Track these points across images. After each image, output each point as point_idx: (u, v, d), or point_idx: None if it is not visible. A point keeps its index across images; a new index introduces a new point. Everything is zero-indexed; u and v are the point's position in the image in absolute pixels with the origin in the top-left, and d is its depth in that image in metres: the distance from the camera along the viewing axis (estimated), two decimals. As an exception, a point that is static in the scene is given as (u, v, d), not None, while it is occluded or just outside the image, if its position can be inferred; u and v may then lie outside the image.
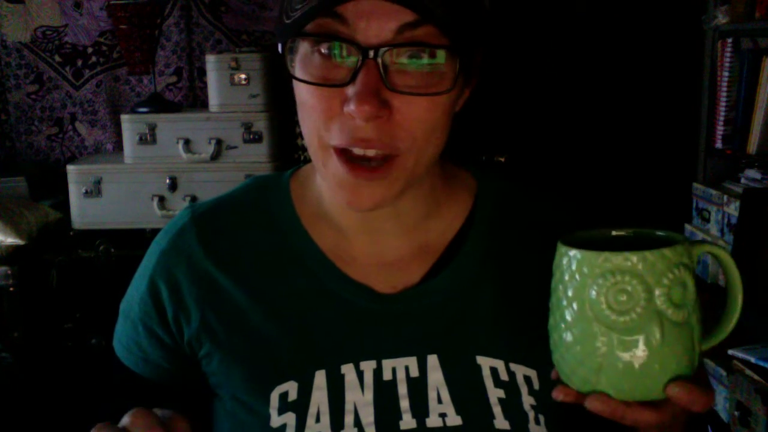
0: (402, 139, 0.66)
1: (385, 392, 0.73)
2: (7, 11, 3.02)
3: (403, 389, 0.73)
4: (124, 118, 2.71)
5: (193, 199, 2.66)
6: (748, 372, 1.90)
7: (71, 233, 2.71)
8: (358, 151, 0.66)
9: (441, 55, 0.64)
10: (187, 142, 2.66)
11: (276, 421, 0.72)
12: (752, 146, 2.16)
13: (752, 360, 1.90)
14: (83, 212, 2.70)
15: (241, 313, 0.76)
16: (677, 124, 2.80)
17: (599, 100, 2.96)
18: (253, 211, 0.81)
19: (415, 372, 0.73)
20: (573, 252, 0.61)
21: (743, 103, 2.19)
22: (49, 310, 2.67)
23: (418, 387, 0.73)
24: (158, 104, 2.77)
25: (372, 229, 0.77)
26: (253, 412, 0.73)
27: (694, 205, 2.39)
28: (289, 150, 2.75)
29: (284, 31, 0.67)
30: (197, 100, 3.07)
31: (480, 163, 0.76)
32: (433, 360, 0.74)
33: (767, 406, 1.81)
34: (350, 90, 0.64)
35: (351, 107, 0.63)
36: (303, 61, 0.67)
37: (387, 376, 0.73)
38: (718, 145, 2.29)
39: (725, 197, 2.20)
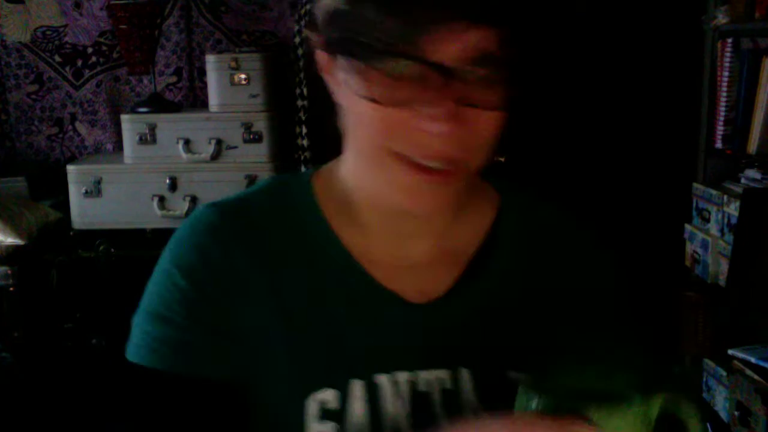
0: (469, 149, 0.67)
1: (420, 404, 0.73)
2: (7, 11, 3.02)
3: (438, 401, 0.73)
4: (124, 118, 2.71)
5: (193, 199, 2.66)
6: (748, 372, 1.90)
7: (71, 233, 2.71)
8: (428, 162, 0.66)
9: (510, 69, 0.66)
10: (187, 142, 2.67)
11: (314, 429, 0.71)
12: (752, 146, 2.16)
13: (752, 360, 1.90)
14: (83, 212, 2.70)
15: (280, 316, 0.74)
16: (677, 124, 2.79)
17: (599, 99, 2.96)
18: (279, 211, 0.78)
19: (449, 385, 0.74)
20: (532, 397, 0.62)
21: (743, 103, 2.18)
22: (49, 310, 2.67)
23: (452, 400, 0.74)
24: (158, 104, 2.77)
25: (399, 231, 0.77)
26: (290, 419, 0.72)
27: (694, 205, 2.39)
28: (289, 150, 2.75)
29: (362, 52, 0.64)
30: (197, 100, 3.07)
31: (498, 173, 0.76)
32: (465, 374, 0.74)
33: (767, 406, 1.81)
34: (429, 108, 0.63)
35: (431, 127, 0.63)
36: (362, 76, 0.65)
37: (422, 387, 0.73)
38: (718, 145, 2.29)
39: (725, 197, 2.20)
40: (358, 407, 0.71)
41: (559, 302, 0.79)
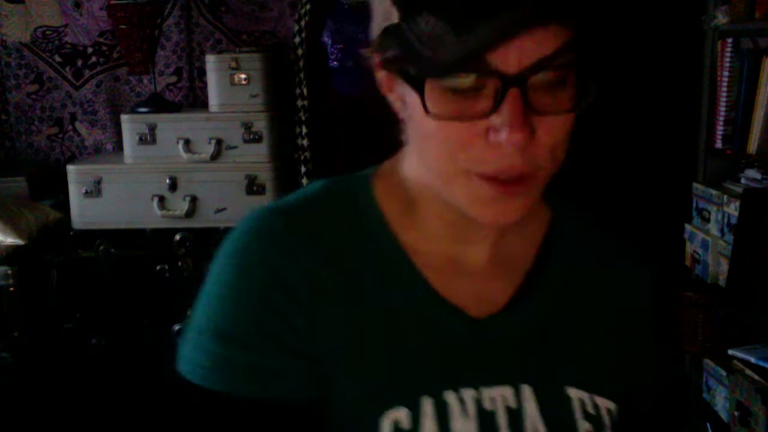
0: (542, 158, 0.66)
1: (487, 422, 0.72)
2: (7, 11, 3.02)
3: (503, 420, 0.72)
4: (124, 118, 2.71)
5: (193, 199, 2.66)
6: (748, 372, 1.90)
7: (71, 233, 2.71)
8: (503, 177, 0.65)
9: (573, 75, 0.65)
10: (187, 142, 2.67)
11: None
12: (752, 146, 2.16)
13: (752, 360, 1.90)
14: (83, 212, 2.70)
15: (350, 328, 0.71)
16: (677, 124, 2.79)
17: (599, 99, 2.96)
18: (342, 214, 0.75)
19: (512, 402, 0.73)
20: None
21: (743, 103, 2.18)
22: (49, 310, 2.67)
23: (516, 418, 0.73)
24: (158, 104, 2.77)
25: (458, 236, 0.75)
26: None
27: (694, 205, 2.39)
28: (289, 150, 2.75)
29: (425, 68, 0.63)
30: (197, 100, 3.07)
31: (594, 201, 0.77)
32: (527, 390, 0.73)
33: (767, 406, 1.81)
34: (495, 119, 0.62)
35: (502, 136, 0.62)
36: (434, 95, 0.63)
37: (487, 405, 0.72)
38: (718, 145, 2.29)
39: (725, 197, 2.20)
40: (429, 426, 0.69)
41: (610, 318, 0.79)
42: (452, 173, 0.66)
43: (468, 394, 0.71)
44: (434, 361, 0.72)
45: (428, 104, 0.63)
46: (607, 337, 0.79)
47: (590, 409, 0.74)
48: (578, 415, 0.74)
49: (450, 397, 0.71)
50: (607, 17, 0.69)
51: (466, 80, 0.62)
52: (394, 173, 0.77)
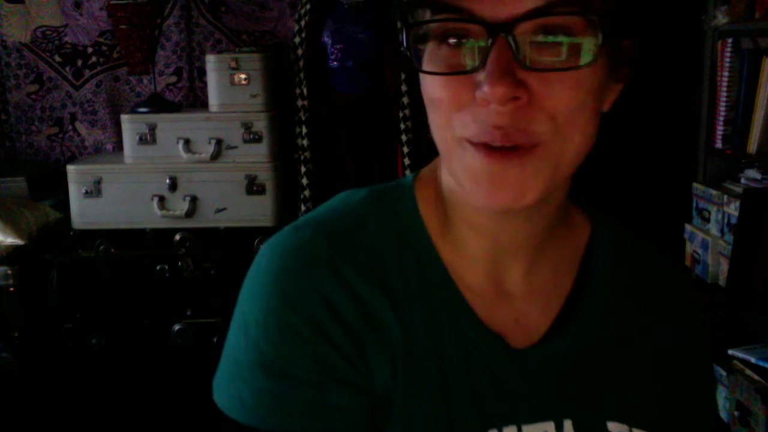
0: (542, 123, 0.58)
1: None
2: (7, 11, 3.02)
3: None
4: (124, 118, 2.71)
5: (193, 199, 2.66)
6: (748, 372, 1.90)
7: (71, 233, 2.71)
8: (492, 141, 0.59)
9: (580, 28, 0.58)
10: (187, 142, 2.67)
11: None
12: (752, 146, 2.16)
13: (752, 360, 1.90)
14: (83, 212, 2.70)
15: (401, 359, 0.66)
16: (677, 124, 2.79)
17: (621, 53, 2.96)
18: (386, 234, 0.69)
19: None
20: None
21: (743, 103, 2.18)
22: (49, 310, 2.67)
23: None
24: (158, 104, 2.77)
25: (495, 251, 0.69)
26: None
27: (694, 205, 2.39)
28: (289, 150, 2.75)
29: (408, 25, 0.61)
30: (197, 100, 3.07)
31: (594, 201, 0.77)
32: (568, 426, 0.69)
33: (767, 406, 1.81)
34: (482, 74, 0.57)
35: (484, 90, 0.57)
36: (431, 56, 0.61)
37: None
38: (718, 145, 2.29)
39: (725, 197, 2.20)
40: None
41: (650, 347, 0.74)
42: (450, 144, 0.62)
43: (511, 431, 0.67)
44: (478, 398, 0.67)
45: (424, 63, 0.61)
46: (647, 366, 0.74)
47: None
48: None
49: None
50: None
51: (452, 28, 0.59)
52: (434, 180, 0.72)
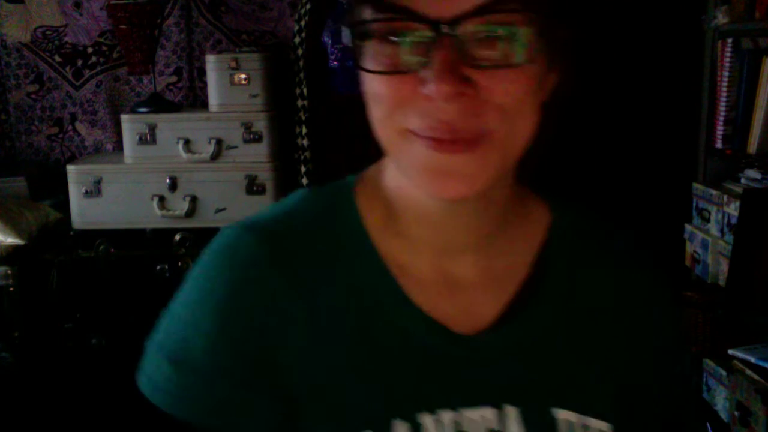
0: (488, 113, 0.60)
1: None
2: (7, 11, 3.02)
3: None
4: (124, 118, 2.71)
5: (193, 199, 2.66)
6: (748, 372, 1.90)
7: (71, 233, 2.71)
8: (438, 134, 0.60)
9: (521, 24, 0.59)
10: (187, 142, 2.67)
11: None
12: (752, 146, 2.16)
13: (752, 360, 1.90)
14: (83, 212, 2.70)
15: (318, 351, 0.68)
16: (677, 124, 2.80)
17: (599, 99, 2.96)
18: (321, 229, 0.71)
19: (494, 424, 0.68)
20: None
21: (743, 103, 2.18)
22: (49, 310, 2.67)
23: None
24: (158, 104, 2.77)
25: (444, 241, 0.70)
26: None
27: (694, 205, 2.39)
28: (289, 150, 2.75)
29: (352, 24, 0.63)
30: (197, 100, 3.07)
31: (558, 192, 0.75)
32: (511, 411, 0.69)
33: (767, 406, 1.81)
34: (426, 72, 0.58)
35: (430, 87, 0.58)
36: (373, 53, 0.61)
37: (467, 427, 0.68)
38: (718, 145, 2.29)
39: (725, 197, 2.20)
40: None
41: (610, 335, 0.73)
42: (394, 137, 0.63)
43: (446, 416, 0.67)
44: (410, 382, 0.68)
45: (367, 61, 0.61)
46: (608, 353, 0.73)
47: (579, 431, 0.70)
48: None
49: (425, 419, 0.67)
50: None
51: (395, 28, 0.59)
52: (378, 178, 0.73)
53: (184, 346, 0.67)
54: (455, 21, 0.57)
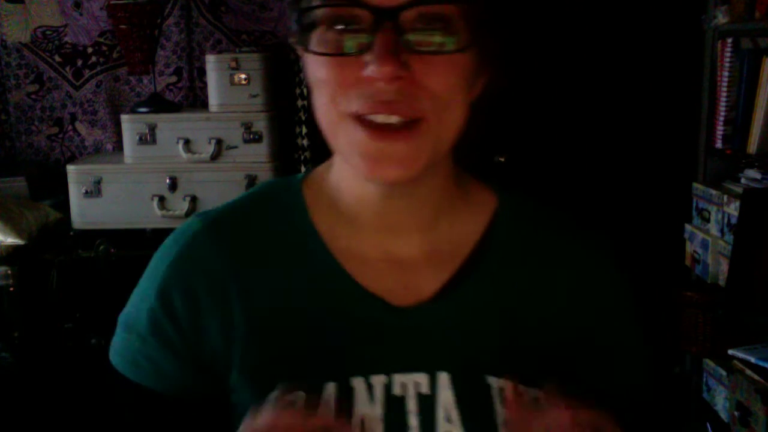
0: (425, 99, 0.66)
1: (394, 408, 0.72)
2: (7, 11, 3.02)
3: (412, 406, 0.72)
4: (124, 118, 2.71)
5: (193, 199, 2.66)
6: (748, 372, 1.90)
7: (71, 233, 2.71)
8: (381, 118, 0.66)
9: (454, 17, 0.65)
10: (187, 142, 2.67)
11: None
12: (752, 146, 2.16)
13: (752, 360, 1.90)
14: (83, 212, 2.70)
15: (255, 325, 0.74)
16: (677, 124, 2.80)
17: (599, 99, 2.96)
18: (265, 215, 0.79)
19: (425, 389, 0.72)
20: None
21: (743, 103, 2.18)
22: (49, 310, 2.67)
23: (427, 404, 0.73)
24: (158, 104, 2.77)
25: (385, 224, 0.76)
26: None
27: (694, 205, 2.39)
28: (289, 150, 2.75)
29: (298, 12, 0.68)
30: (197, 100, 3.07)
31: (506, 181, 0.83)
32: (443, 378, 0.73)
33: (767, 406, 1.81)
34: (368, 56, 0.64)
35: (371, 69, 0.63)
36: (318, 40, 0.67)
37: (397, 391, 0.72)
38: (718, 145, 2.29)
39: (725, 197, 2.20)
40: (325, 409, 0.70)
41: (546, 310, 0.77)
42: (336, 121, 0.68)
43: (377, 380, 0.72)
44: (344, 349, 0.73)
45: (311, 45, 0.67)
46: (552, 324, 0.77)
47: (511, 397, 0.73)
48: (497, 402, 0.73)
49: (357, 382, 0.71)
50: None
51: (340, 14, 0.65)
52: (326, 171, 0.79)
53: (134, 313, 0.77)
54: (396, 9, 0.63)
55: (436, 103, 0.66)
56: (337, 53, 0.66)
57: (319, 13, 0.66)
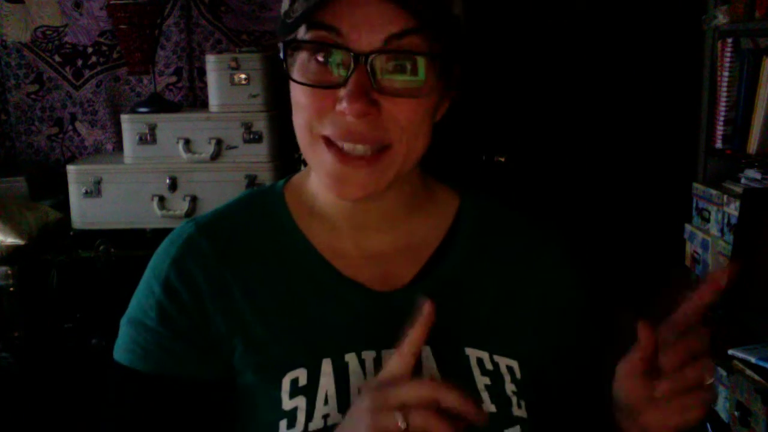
0: (391, 130, 0.75)
1: None
2: (7, 11, 3.02)
3: None
4: (124, 118, 2.71)
5: (193, 199, 2.66)
6: (748, 372, 1.90)
7: (71, 233, 2.71)
8: (348, 146, 0.75)
9: (422, 62, 0.74)
10: (187, 142, 2.66)
11: (288, 404, 0.78)
12: (752, 146, 2.16)
13: (752, 360, 1.90)
14: (83, 212, 2.70)
15: (255, 312, 0.82)
16: (677, 123, 2.80)
17: (599, 99, 2.96)
18: (252, 218, 0.88)
19: None
20: None
21: (743, 103, 2.19)
22: (49, 310, 2.67)
23: (416, 374, 0.76)
24: (158, 104, 2.77)
25: (359, 224, 0.86)
26: (266, 396, 0.79)
27: (694, 205, 2.39)
28: (289, 150, 2.75)
29: (286, 40, 0.76)
30: (197, 100, 3.07)
31: (469, 184, 0.98)
32: (426, 351, 0.81)
33: (767, 406, 1.81)
34: (342, 91, 0.73)
35: (343, 105, 0.72)
36: (301, 67, 0.75)
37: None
38: (718, 145, 2.29)
39: (725, 197, 2.20)
40: (326, 383, 0.78)
41: (513, 291, 0.88)
42: (310, 141, 0.77)
43: (369, 355, 0.80)
44: (336, 330, 0.81)
45: (293, 71, 0.75)
46: (518, 303, 0.87)
47: (489, 366, 0.82)
48: (476, 371, 0.82)
49: (350, 358, 0.80)
50: (455, 26, 0.77)
51: (317, 54, 0.74)
52: (305, 176, 0.89)
53: (140, 309, 0.84)
54: (368, 54, 0.72)
55: (403, 132, 0.75)
56: (315, 84, 0.74)
57: (305, 44, 0.75)
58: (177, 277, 0.83)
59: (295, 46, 0.76)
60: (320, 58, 0.74)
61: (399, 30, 0.72)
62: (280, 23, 0.78)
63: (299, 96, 0.76)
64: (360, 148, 0.75)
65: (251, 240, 0.86)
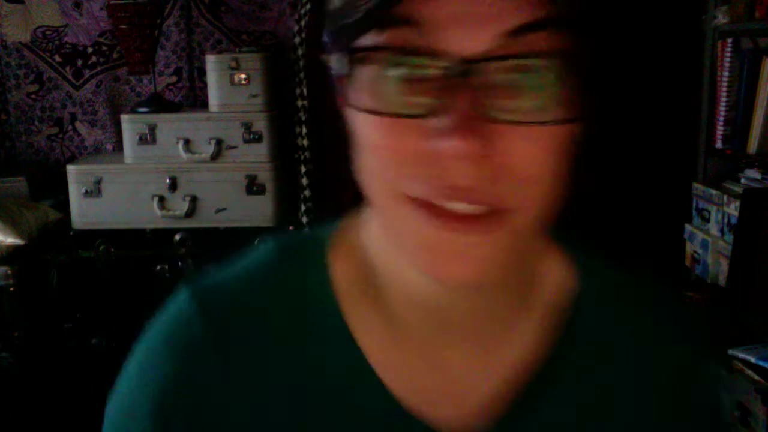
0: (507, 186, 0.46)
1: None
2: (7, 11, 3.02)
3: None
4: (124, 118, 2.71)
5: (193, 199, 2.66)
6: (748, 372, 1.90)
7: (71, 233, 2.71)
8: (452, 206, 0.46)
9: (557, 70, 0.45)
10: (187, 142, 2.67)
11: None
12: (752, 146, 2.16)
13: (752, 360, 1.89)
14: (83, 212, 2.70)
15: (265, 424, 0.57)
16: (677, 124, 2.79)
17: (599, 99, 2.96)
18: (280, 302, 0.58)
19: None
20: None
21: (743, 103, 2.18)
22: (49, 310, 2.67)
23: None
24: (158, 104, 2.77)
25: (433, 329, 0.56)
26: None
27: (694, 205, 2.39)
28: (289, 150, 2.75)
29: (350, 47, 0.47)
30: (197, 100, 3.07)
31: (585, 243, 0.57)
32: None
33: (767, 406, 1.81)
34: (438, 121, 0.44)
35: (445, 143, 0.44)
36: (368, 87, 0.46)
37: None
38: (718, 145, 2.29)
39: (725, 197, 2.20)
40: None
41: (640, 417, 0.59)
42: (396, 208, 0.48)
43: None
44: None
45: (363, 99, 0.46)
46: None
47: None
48: None
49: None
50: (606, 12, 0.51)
51: (399, 63, 0.45)
52: (357, 232, 0.59)
53: (123, 425, 0.59)
54: (481, 61, 0.43)
55: (524, 186, 0.47)
56: (392, 113, 0.45)
57: (376, 51, 0.46)
58: (173, 405, 0.57)
59: (363, 57, 0.46)
60: (399, 72, 0.45)
61: (522, 22, 0.43)
62: (329, 22, 0.49)
63: (368, 132, 0.48)
64: (472, 209, 0.46)
65: (275, 336, 0.57)
